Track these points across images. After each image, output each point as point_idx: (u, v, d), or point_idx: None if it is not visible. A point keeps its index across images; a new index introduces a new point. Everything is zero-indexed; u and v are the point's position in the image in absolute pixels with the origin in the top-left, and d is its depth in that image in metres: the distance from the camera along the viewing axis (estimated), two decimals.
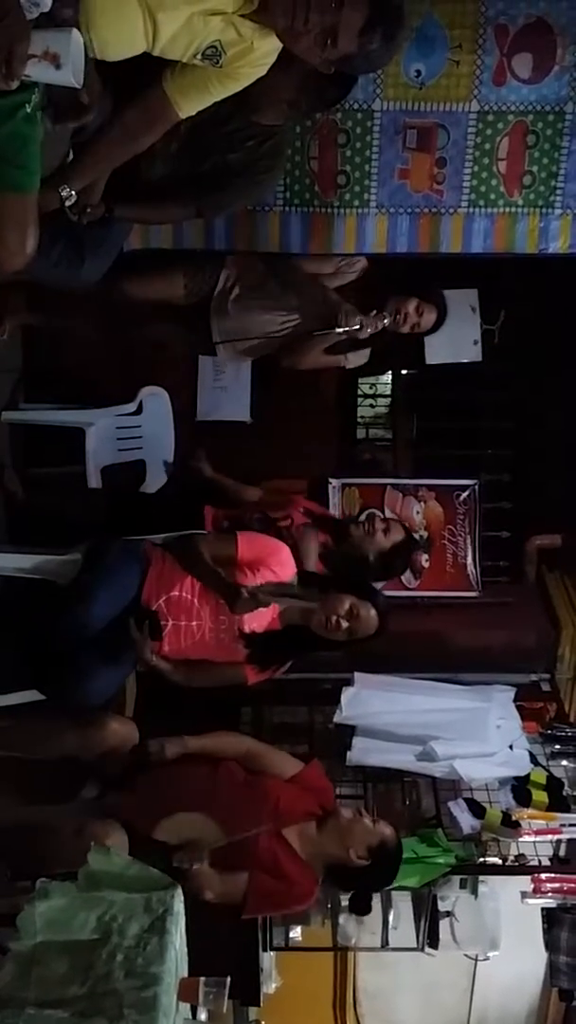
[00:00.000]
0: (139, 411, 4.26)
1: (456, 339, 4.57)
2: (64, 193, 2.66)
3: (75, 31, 1.98)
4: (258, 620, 3.11)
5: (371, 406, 5.31)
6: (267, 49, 2.38)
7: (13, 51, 1.86)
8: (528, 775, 4.13)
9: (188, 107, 2.53)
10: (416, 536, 4.46)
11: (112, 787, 3.07)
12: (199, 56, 2.35)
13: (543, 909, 4.34)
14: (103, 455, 4.13)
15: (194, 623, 3.09)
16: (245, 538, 3.17)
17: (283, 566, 3.16)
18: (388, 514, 4.67)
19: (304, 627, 3.15)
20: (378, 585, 3.56)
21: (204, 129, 2.81)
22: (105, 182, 2.77)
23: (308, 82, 2.85)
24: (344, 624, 3.10)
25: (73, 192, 2.67)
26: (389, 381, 5.13)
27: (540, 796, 4.05)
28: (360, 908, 3.41)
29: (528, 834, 4.01)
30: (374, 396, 5.30)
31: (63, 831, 2.85)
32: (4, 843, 3.00)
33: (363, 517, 3.77)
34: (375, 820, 3.09)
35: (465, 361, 4.74)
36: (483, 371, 4.84)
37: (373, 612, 3.15)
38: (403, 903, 4.42)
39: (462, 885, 4.32)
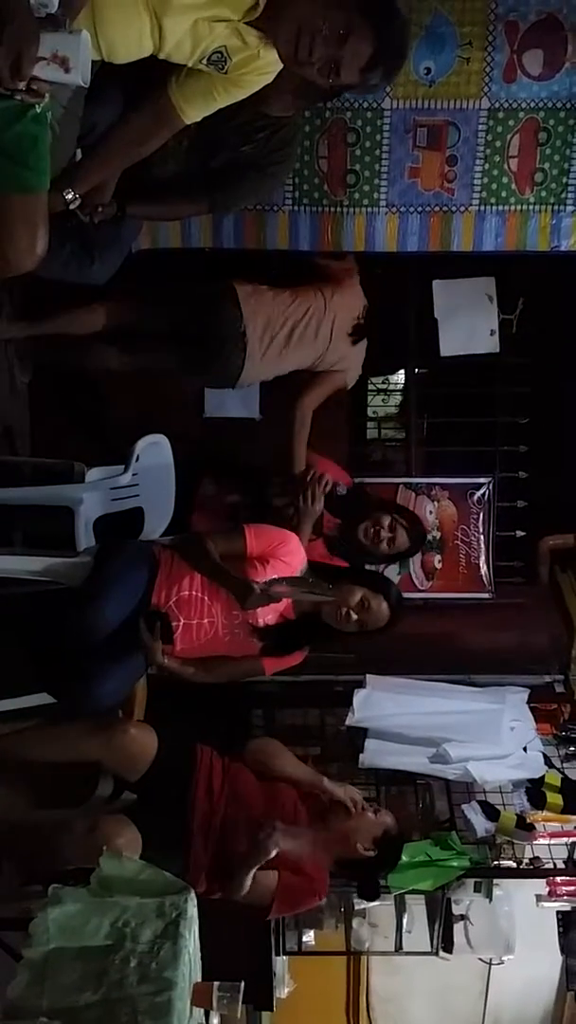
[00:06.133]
0: (136, 460, 3.82)
1: (472, 330, 4.48)
2: (68, 196, 2.65)
3: (84, 33, 1.97)
4: (271, 612, 3.10)
5: (383, 402, 5.26)
6: (272, 58, 2.37)
7: (22, 54, 1.85)
8: (542, 777, 4.09)
9: (193, 114, 2.53)
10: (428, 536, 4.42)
11: (127, 787, 3.06)
12: (205, 61, 2.35)
13: (558, 912, 4.33)
14: (94, 510, 3.70)
15: (206, 620, 3.08)
16: (253, 531, 3.15)
17: (293, 555, 3.14)
18: None
19: (317, 616, 3.14)
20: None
21: (214, 124, 2.80)
22: (115, 182, 2.76)
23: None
24: (355, 616, 3.12)
25: (78, 195, 2.67)
26: (402, 376, 5.07)
27: (555, 798, 4.02)
28: (369, 894, 3.56)
29: (543, 837, 3.99)
30: (386, 391, 5.25)
31: (76, 828, 2.85)
32: (17, 844, 3.00)
33: (370, 522, 3.70)
34: (376, 811, 3.20)
35: (481, 352, 4.62)
36: (498, 364, 4.74)
37: (385, 604, 3.16)
38: (417, 907, 4.41)
39: (476, 888, 4.30)
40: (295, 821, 3.06)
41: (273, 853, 2.89)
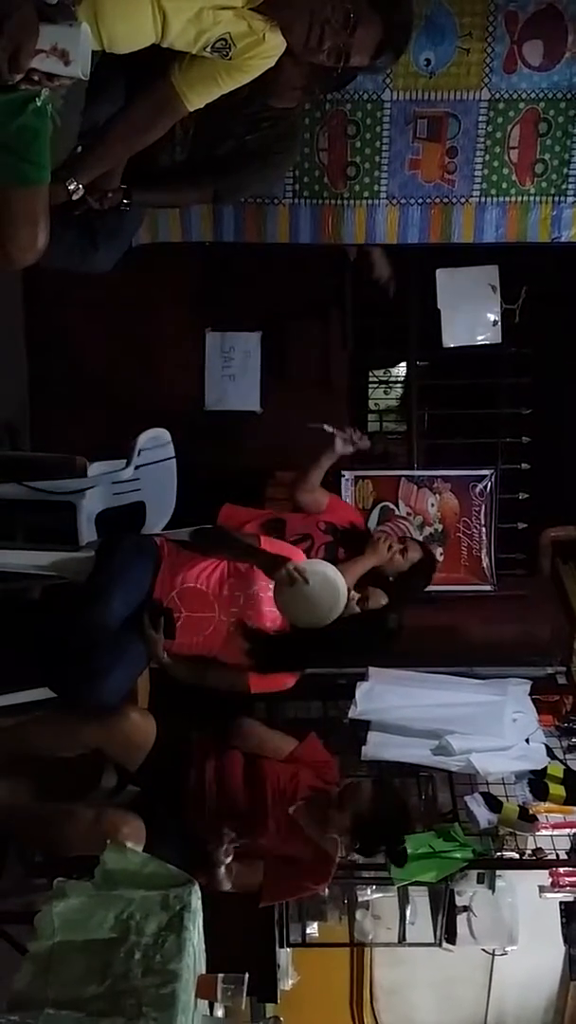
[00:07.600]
0: (138, 454, 3.84)
1: (475, 320, 4.43)
2: (71, 187, 2.64)
3: (84, 26, 1.97)
4: (268, 619, 3.10)
5: (385, 393, 5.25)
6: (277, 42, 2.38)
7: (21, 47, 1.84)
8: (545, 769, 4.10)
9: (196, 100, 2.52)
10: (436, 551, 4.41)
11: (130, 780, 3.07)
12: (208, 49, 2.34)
13: (561, 903, 4.32)
14: (95, 505, 3.68)
15: (207, 615, 3.08)
16: (268, 542, 3.20)
17: None
18: (403, 508, 4.64)
19: (313, 633, 3.05)
20: None
21: (222, 112, 2.79)
22: (122, 169, 2.76)
23: (318, 68, 2.83)
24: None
25: (80, 186, 2.66)
26: (404, 368, 5.05)
27: (557, 790, 4.02)
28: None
29: (545, 828, 3.99)
30: (388, 383, 5.23)
31: (82, 819, 2.86)
32: (24, 834, 3.01)
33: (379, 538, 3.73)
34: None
35: (484, 343, 4.59)
36: (500, 355, 4.72)
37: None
38: (420, 898, 4.41)
39: (479, 880, 4.29)
40: (294, 798, 3.08)
41: (225, 862, 2.92)
